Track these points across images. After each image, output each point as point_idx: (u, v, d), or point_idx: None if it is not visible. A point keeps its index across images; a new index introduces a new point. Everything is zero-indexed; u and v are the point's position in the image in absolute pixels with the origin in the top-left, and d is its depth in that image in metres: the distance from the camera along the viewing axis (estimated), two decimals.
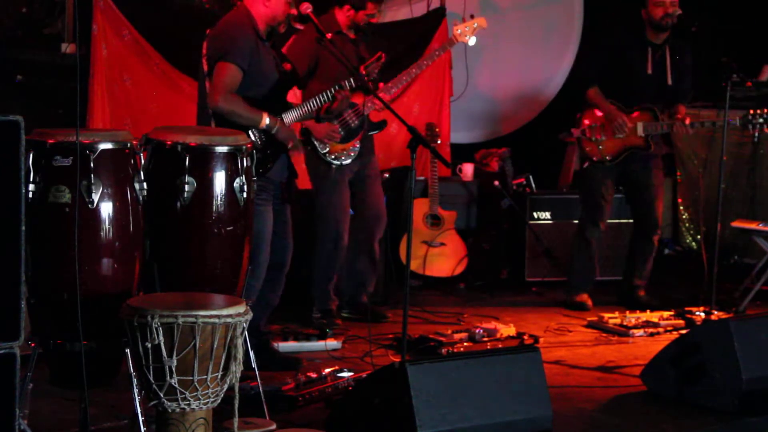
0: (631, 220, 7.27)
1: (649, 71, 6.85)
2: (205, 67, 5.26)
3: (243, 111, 5.16)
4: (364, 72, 6.03)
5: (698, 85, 6.95)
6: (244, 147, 4.42)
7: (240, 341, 3.85)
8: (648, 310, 6.67)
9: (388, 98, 6.28)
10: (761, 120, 6.77)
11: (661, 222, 7.16)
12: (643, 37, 6.87)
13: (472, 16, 6.54)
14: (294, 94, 6.10)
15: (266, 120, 5.19)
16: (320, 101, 5.60)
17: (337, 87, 5.62)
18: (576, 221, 7.31)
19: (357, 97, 6.21)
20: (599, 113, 6.93)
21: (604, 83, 6.91)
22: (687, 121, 6.82)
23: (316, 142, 6.25)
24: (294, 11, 5.43)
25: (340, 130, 6.22)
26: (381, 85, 6.32)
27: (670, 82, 6.89)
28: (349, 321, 6.48)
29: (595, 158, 6.96)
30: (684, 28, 6.79)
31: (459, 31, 6.53)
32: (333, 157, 6.33)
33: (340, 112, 6.16)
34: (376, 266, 6.67)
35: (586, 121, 6.98)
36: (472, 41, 6.57)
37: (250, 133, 5.17)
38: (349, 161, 6.37)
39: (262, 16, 5.29)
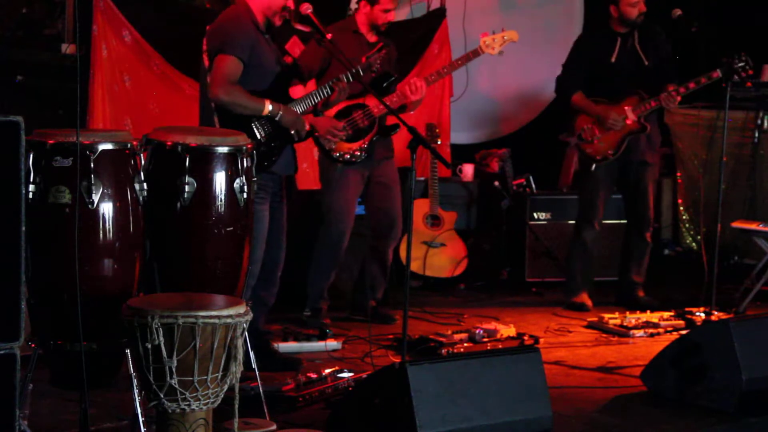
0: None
1: (613, 60, 6.92)
2: (206, 63, 5.26)
3: (244, 100, 5.16)
4: (365, 62, 5.99)
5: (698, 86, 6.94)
6: (244, 147, 4.42)
7: (240, 342, 3.84)
8: (648, 311, 6.68)
9: (396, 102, 6.25)
10: (741, 64, 6.74)
11: (653, 218, 7.17)
12: (611, 31, 6.95)
13: (503, 29, 6.46)
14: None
15: (269, 107, 5.19)
16: (319, 95, 5.60)
17: (334, 80, 5.63)
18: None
19: (369, 99, 6.18)
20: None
21: (587, 85, 6.96)
22: (670, 88, 6.81)
23: (321, 139, 6.24)
24: (291, 4, 5.42)
25: (346, 127, 6.18)
26: (414, 80, 6.28)
27: (647, 62, 6.94)
28: (356, 322, 6.48)
29: (599, 157, 6.97)
30: (684, 28, 6.80)
31: (487, 42, 6.41)
32: (338, 154, 6.31)
33: (350, 111, 6.16)
34: (386, 274, 6.65)
35: (579, 125, 7.00)
36: (499, 54, 6.46)
37: (253, 126, 5.17)
38: (355, 161, 6.35)
39: (261, 7, 5.29)
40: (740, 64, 6.68)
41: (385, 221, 6.52)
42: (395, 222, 6.53)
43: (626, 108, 6.89)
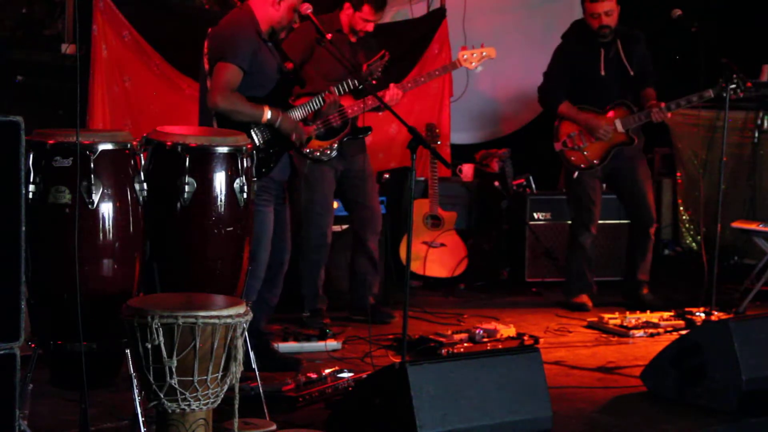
0: (628, 221, 7.29)
1: (602, 72, 6.90)
2: (206, 66, 5.26)
3: (244, 108, 5.16)
4: (367, 69, 6.04)
5: (698, 86, 6.95)
6: (244, 147, 4.42)
7: (240, 342, 3.85)
8: (649, 311, 6.67)
9: (371, 103, 6.25)
10: (733, 86, 6.75)
11: (655, 214, 7.16)
12: (593, 40, 6.91)
13: (482, 45, 6.47)
14: None
15: (268, 114, 5.19)
16: (317, 104, 5.62)
17: (326, 92, 5.64)
18: None
19: (345, 99, 6.17)
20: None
21: (571, 93, 6.95)
22: (662, 105, 6.83)
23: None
24: (298, 22, 5.45)
25: (318, 124, 6.18)
26: (392, 85, 6.29)
27: (632, 72, 6.94)
28: (356, 322, 6.48)
29: (583, 166, 6.98)
30: (684, 28, 6.79)
31: (465, 56, 6.42)
32: (308, 151, 6.29)
33: (326, 113, 6.16)
34: (376, 266, 6.65)
35: (565, 131, 6.98)
36: (477, 69, 6.50)
37: (252, 132, 5.17)
38: (325, 159, 6.31)
39: (268, 18, 5.28)
40: (732, 86, 6.70)
41: (365, 215, 6.53)
42: (375, 214, 6.56)
43: (615, 120, 6.89)
